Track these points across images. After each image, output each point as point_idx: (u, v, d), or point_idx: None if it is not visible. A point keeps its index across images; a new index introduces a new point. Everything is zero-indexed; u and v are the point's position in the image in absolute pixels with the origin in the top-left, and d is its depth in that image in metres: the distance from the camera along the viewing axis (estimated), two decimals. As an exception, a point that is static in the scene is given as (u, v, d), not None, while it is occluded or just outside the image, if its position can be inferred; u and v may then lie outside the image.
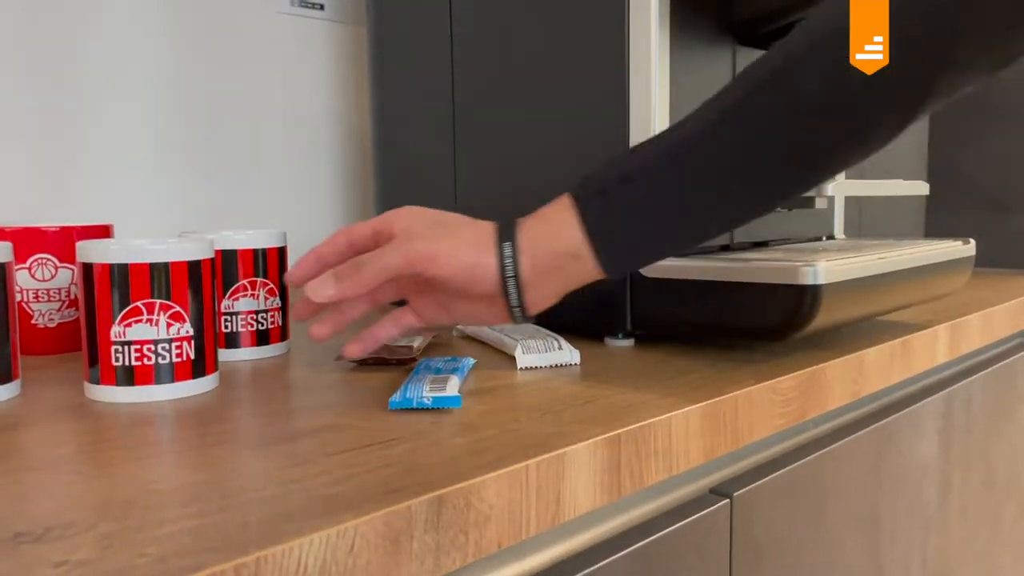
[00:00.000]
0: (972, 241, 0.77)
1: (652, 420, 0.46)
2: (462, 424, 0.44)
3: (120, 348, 0.49)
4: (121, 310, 0.49)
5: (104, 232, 0.65)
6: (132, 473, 0.37)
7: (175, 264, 0.50)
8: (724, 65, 0.70)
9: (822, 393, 0.60)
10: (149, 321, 0.49)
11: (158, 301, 0.49)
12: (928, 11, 0.46)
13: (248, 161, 0.88)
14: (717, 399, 0.50)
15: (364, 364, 0.59)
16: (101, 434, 0.44)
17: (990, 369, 0.91)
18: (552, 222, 0.51)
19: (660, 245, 0.53)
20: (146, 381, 0.49)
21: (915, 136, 1.09)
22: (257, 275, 0.61)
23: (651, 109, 0.63)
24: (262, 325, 0.62)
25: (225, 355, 0.60)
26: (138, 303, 0.49)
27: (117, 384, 0.49)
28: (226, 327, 0.61)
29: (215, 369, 0.53)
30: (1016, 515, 1.02)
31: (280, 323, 0.63)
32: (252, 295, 0.61)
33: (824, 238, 0.85)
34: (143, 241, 0.50)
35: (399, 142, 0.83)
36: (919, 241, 0.77)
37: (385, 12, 0.82)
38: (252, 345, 0.61)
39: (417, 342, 0.62)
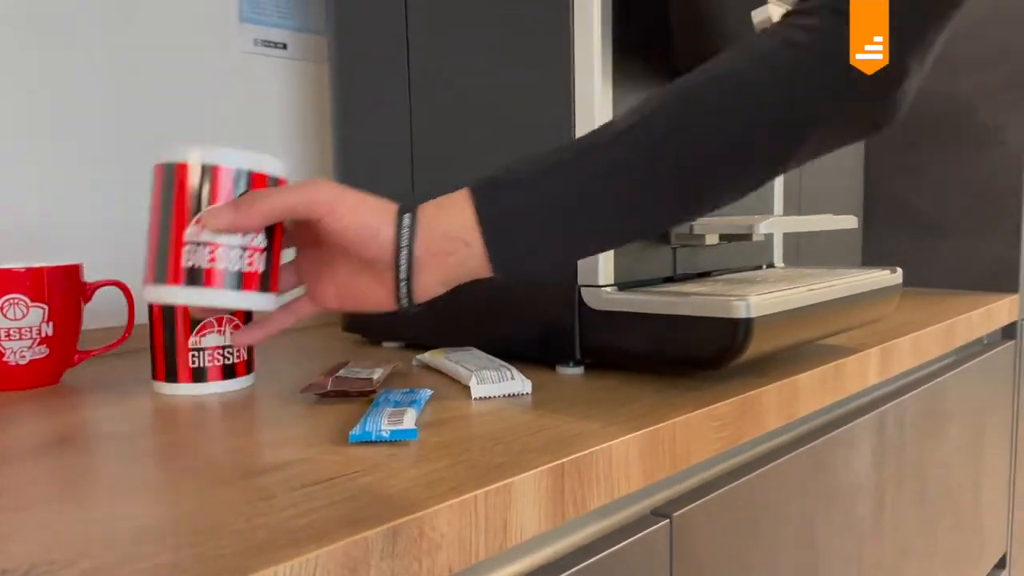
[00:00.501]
0: (899, 270, 0.83)
1: (595, 448, 0.50)
2: (418, 456, 0.48)
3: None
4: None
5: (74, 271, 0.68)
6: (110, 509, 0.40)
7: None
8: (665, 108, 0.75)
9: (757, 417, 0.65)
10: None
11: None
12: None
13: None
14: (656, 426, 0.54)
15: (327, 396, 0.62)
16: (77, 469, 0.47)
17: (921, 388, 0.96)
18: (448, 207, 0.52)
19: (545, 246, 0.53)
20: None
21: (852, 164, 1.15)
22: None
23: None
24: (228, 360, 0.65)
25: (194, 389, 0.63)
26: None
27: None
28: (194, 362, 0.63)
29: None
30: (951, 526, 1.07)
31: (246, 357, 0.66)
32: (219, 331, 0.64)
33: (764, 266, 0.90)
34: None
35: (360, 176, 0.86)
36: (849, 271, 0.82)
37: (345, 49, 0.86)
38: (219, 379, 0.64)
39: (377, 374, 0.65)
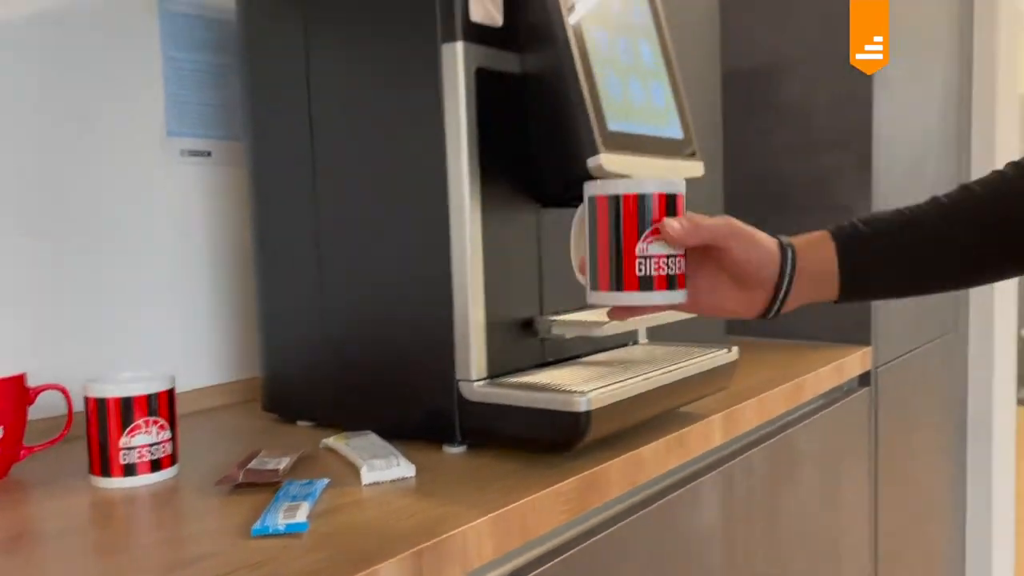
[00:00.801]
0: (735, 348, 0.98)
1: (453, 532, 0.63)
2: (306, 547, 0.60)
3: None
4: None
5: (20, 380, 0.79)
6: (57, 607, 0.52)
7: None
8: (531, 222, 0.89)
9: (601, 488, 0.78)
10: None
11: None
12: None
13: (135, 303, 1.01)
14: (508, 507, 0.68)
15: (239, 487, 0.74)
16: (25, 570, 0.58)
17: (774, 439, 1.12)
18: (816, 248, 0.70)
19: (881, 290, 0.73)
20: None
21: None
22: (150, 415, 0.76)
23: (465, 258, 0.81)
24: (154, 455, 0.76)
25: (125, 483, 0.75)
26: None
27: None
28: (124, 459, 0.75)
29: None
30: (807, 566, 1.23)
31: (170, 451, 0.78)
32: (146, 431, 0.76)
33: (632, 343, 1.04)
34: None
35: (274, 263, 0.98)
36: (695, 350, 0.97)
37: (259, 153, 0.97)
38: (148, 472, 0.76)
39: (284, 464, 0.77)
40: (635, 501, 0.87)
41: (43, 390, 0.81)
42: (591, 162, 0.78)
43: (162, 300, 1.04)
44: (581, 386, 0.78)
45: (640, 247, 0.66)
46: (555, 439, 0.77)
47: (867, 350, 1.41)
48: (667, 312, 0.73)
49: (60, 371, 0.87)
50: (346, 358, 0.91)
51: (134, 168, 1.00)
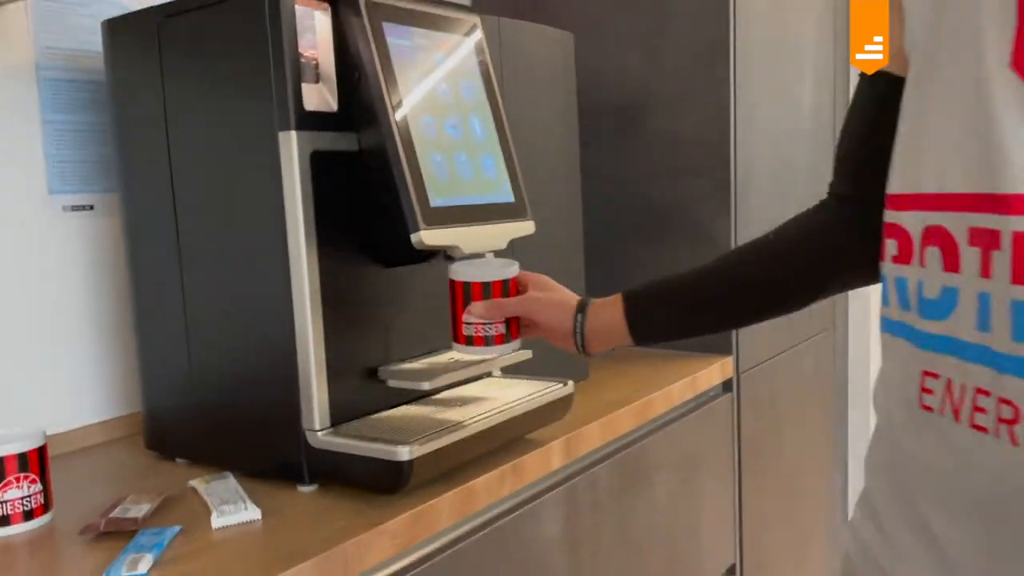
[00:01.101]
0: (570, 382, 1.09)
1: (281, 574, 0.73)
2: (141, 598, 0.71)
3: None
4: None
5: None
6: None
7: None
8: (376, 280, 0.98)
9: (431, 522, 0.89)
10: None
11: None
12: None
13: (17, 348, 1.10)
14: (332, 549, 0.78)
15: (103, 535, 0.84)
16: None
17: (616, 456, 1.23)
18: (607, 308, 0.87)
19: (662, 335, 0.90)
20: None
21: (572, 265, 1.41)
22: (21, 471, 0.85)
23: (306, 317, 0.90)
24: (27, 507, 0.86)
25: (1, 532, 0.84)
26: None
27: None
28: (-1, 512, 0.84)
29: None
30: (666, 562, 1.36)
31: (43, 501, 0.87)
32: (18, 487, 0.85)
33: (490, 374, 1.15)
34: None
35: (150, 317, 1.07)
36: (536, 383, 1.08)
37: (131, 207, 1.05)
38: (22, 522, 0.86)
39: (144, 511, 0.87)
40: (469, 528, 0.98)
41: (-73, 447, 0.90)
42: (413, 237, 0.88)
43: (46, 343, 1.12)
44: (409, 435, 0.89)
45: (464, 316, 0.89)
46: (384, 484, 0.88)
47: (728, 360, 1.53)
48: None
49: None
50: (211, 403, 1.01)
51: (15, 226, 1.08)
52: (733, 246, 1.51)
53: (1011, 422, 0.51)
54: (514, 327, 0.91)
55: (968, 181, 0.53)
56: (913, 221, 0.58)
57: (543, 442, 1.08)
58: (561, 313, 0.88)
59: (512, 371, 1.14)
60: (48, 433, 0.90)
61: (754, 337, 1.61)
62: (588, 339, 0.87)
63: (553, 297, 0.90)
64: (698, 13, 1.50)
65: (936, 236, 0.56)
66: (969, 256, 0.53)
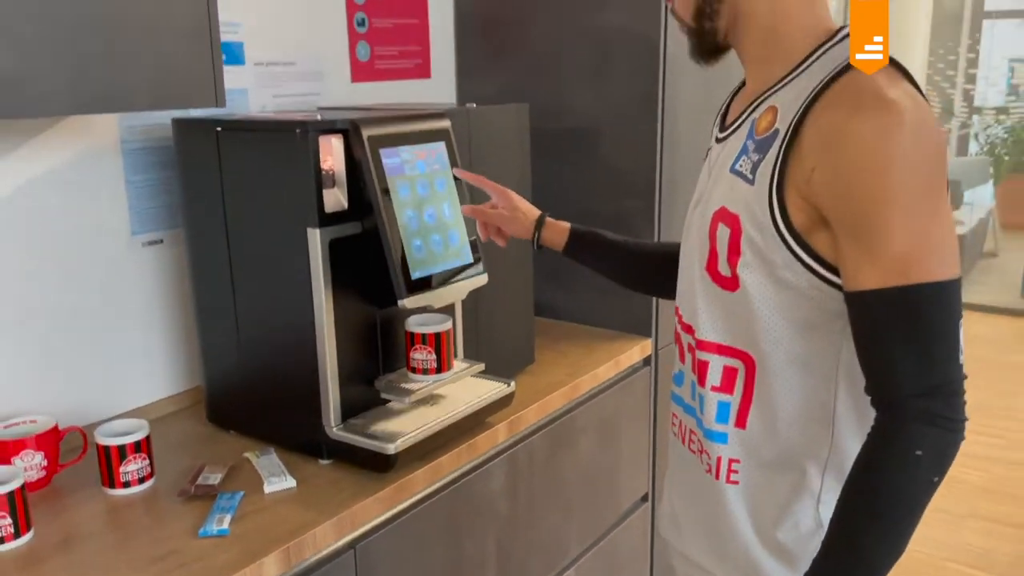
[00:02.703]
0: (513, 382, 1.51)
1: (309, 533, 1.17)
2: (227, 545, 1.14)
3: None
4: None
5: (55, 430, 1.30)
6: (102, 588, 1.06)
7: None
8: (371, 315, 1.39)
9: (410, 488, 1.33)
10: None
11: None
12: None
13: (116, 349, 1.51)
14: (343, 512, 1.22)
15: (192, 497, 1.27)
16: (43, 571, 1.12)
17: (550, 427, 1.67)
18: (557, 224, 1.40)
19: (584, 264, 1.42)
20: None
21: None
22: (137, 452, 1.28)
23: (325, 345, 1.31)
24: (140, 475, 1.29)
25: (124, 492, 1.28)
26: None
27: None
28: (124, 479, 1.28)
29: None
30: (588, 498, 1.81)
31: (150, 471, 1.30)
32: (134, 462, 1.28)
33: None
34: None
35: (209, 319, 1.47)
36: (489, 385, 1.50)
37: (194, 243, 1.44)
38: (137, 485, 1.29)
39: (219, 479, 1.30)
40: (436, 489, 1.42)
41: (68, 431, 1.33)
42: (400, 303, 1.28)
43: (128, 339, 1.53)
44: (394, 433, 1.31)
45: (411, 353, 1.33)
46: (378, 466, 1.31)
47: (647, 341, 1.95)
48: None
49: (70, 408, 1.39)
50: (256, 392, 1.43)
51: (108, 258, 1.47)
52: (657, 252, 1.91)
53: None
54: (444, 360, 1.37)
55: None
56: None
57: (492, 424, 1.51)
58: (522, 226, 1.37)
59: (474, 359, 1.56)
60: (134, 406, 1.36)
61: (670, 321, 2.02)
62: (539, 245, 1.38)
63: (516, 214, 1.37)
64: (636, 66, 1.84)
65: None
66: None
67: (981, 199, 6.95)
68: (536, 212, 1.38)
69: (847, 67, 0.89)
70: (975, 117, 7.51)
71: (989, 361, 4.64)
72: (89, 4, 1.07)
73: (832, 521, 0.91)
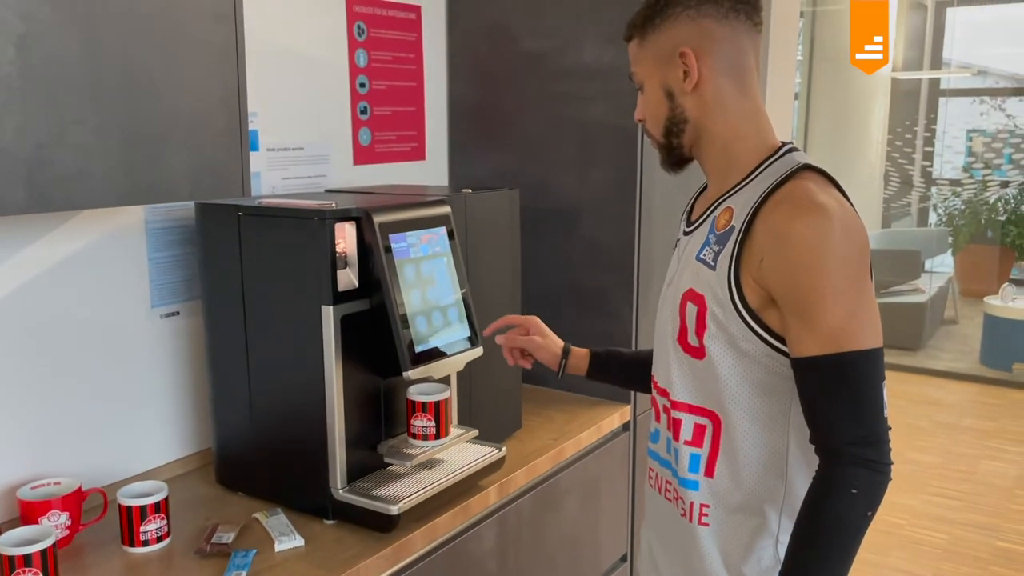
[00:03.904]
0: (504, 447, 1.63)
1: (319, 588, 1.27)
2: (245, 600, 1.24)
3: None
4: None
5: (79, 492, 1.39)
6: (131, 639, 1.15)
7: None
8: (376, 384, 1.51)
9: (409, 547, 1.43)
10: None
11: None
12: None
13: (129, 413, 1.61)
14: (348, 571, 1.32)
15: (208, 555, 1.36)
16: (109, 614, 1.21)
17: (536, 490, 1.78)
18: (580, 354, 1.54)
19: (605, 381, 1.56)
20: None
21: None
22: (156, 513, 1.38)
23: (334, 415, 1.42)
24: (159, 534, 1.38)
25: (143, 550, 1.37)
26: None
27: None
28: (143, 537, 1.37)
29: None
30: (571, 555, 1.91)
31: (167, 531, 1.39)
32: (153, 521, 1.37)
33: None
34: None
35: (222, 388, 1.58)
36: (483, 450, 1.61)
37: (211, 313, 1.56)
38: (155, 544, 1.38)
39: (232, 537, 1.40)
40: (432, 548, 1.53)
41: (90, 493, 1.42)
42: (404, 374, 1.40)
43: (145, 403, 1.63)
44: (395, 496, 1.42)
45: (412, 420, 1.44)
46: (381, 526, 1.41)
47: (626, 408, 2.08)
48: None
49: (87, 469, 1.48)
50: (265, 456, 1.53)
51: (130, 329, 1.58)
52: (634, 323, 2.05)
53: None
54: (442, 427, 1.48)
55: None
56: None
57: (484, 487, 1.62)
58: (551, 354, 1.50)
59: (467, 425, 1.68)
60: (147, 468, 1.47)
61: (650, 388, 2.15)
62: (564, 373, 1.50)
63: (547, 342, 1.51)
64: (616, 154, 2.00)
65: None
66: None
67: (940, 268, 7.23)
68: (560, 343, 1.51)
69: (787, 178, 1.11)
70: (933, 189, 7.85)
71: (948, 425, 4.81)
72: (141, 114, 1.21)
73: (786, 552, 1.09)
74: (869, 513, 1.03)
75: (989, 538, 3.42)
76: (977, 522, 3.57)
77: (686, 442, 1.20)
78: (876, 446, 1.03)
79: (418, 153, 2.16)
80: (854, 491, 1.02)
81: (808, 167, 1.12)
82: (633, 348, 2.06)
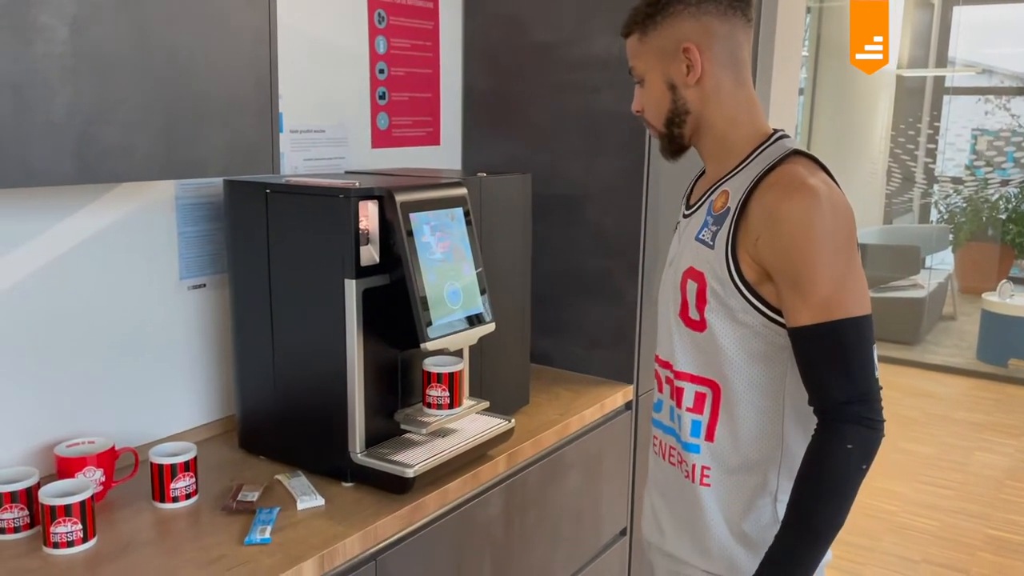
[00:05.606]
0: (513, 420, 1.71)
1: (339, 544, 1.35)
2: (270, 552, 1.32)
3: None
4: (143, 511, 1.34)
5: (111, 450, 1.47)
6: (166, 583, 1.23)
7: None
8: (394, 355, 1.59)
9: (423, 509, 1.51)
10: None
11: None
12: None
13: (156, 380, 1.69)
14: (367, 528, 1.40)
15: (233, 512, 1.44)
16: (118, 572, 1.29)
17: (542, 461, 1.86)
18: None
19: None
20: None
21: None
22: (186, 471, 1.46)
23: (355, 381, 1.50)
24: (187, 491, 1.46)
25: (173, 506, 1.45)
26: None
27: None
28: (173, 494, 1.45)
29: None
30: (573, 522, 2.00)
31: (195, 488, 1.48)
32: (183, 480, 1.46)
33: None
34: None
35: (247, 355, 1.66)
36: (492, 421, 1.69)
37: (236, 280, 1.64)
38: (184, 500, 1.46)
39: (256, 496, 1.48)
40: (444, 512, 1.61)
41: (123, 452, 1.50)
42: (422, 345, 1.48)
43: (174, 370, 1.72)
44: (411, 459, 1.50)
45: (428, 390, 1.50)
46: (397, 488, 1.49)
47: (629, 388, 2.16)
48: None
49: (118, 430, 1.56)
50: (287, 421, 1.62)
51: (160, 300, 1.66)
52: (639, 307, 2.13)
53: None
54: (456, 397, 1.55)
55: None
56: None
57: (493, 456, 1.70)
58: None
59: (478, 398, 1.76)
60: (174, 431, 1.56)
61: (650, 370, 2.23)
62: None
63: None
64: (624, 143, 2.08)
65: None
66: None
67: (940, 264, 7.30)
68: None
69: (778, 162, 1.19)
70: (935, 186, 7.92)
71: (942, 417, 4.90)
72: (181, 94, 1.28)
73: (788, 502, 1.16)
74: (864, 466, 1.12)
75: (979, 526, 3.51)
76: (968, 510, 3.65)
77: (688, 409, 1.29)
78: (869, 403, 1.12)
79: (433, 138, 2.24)
80: (850, 446, 1.11)
81: (797, 152, 1.21)
82: (637, 331, 2.14)
